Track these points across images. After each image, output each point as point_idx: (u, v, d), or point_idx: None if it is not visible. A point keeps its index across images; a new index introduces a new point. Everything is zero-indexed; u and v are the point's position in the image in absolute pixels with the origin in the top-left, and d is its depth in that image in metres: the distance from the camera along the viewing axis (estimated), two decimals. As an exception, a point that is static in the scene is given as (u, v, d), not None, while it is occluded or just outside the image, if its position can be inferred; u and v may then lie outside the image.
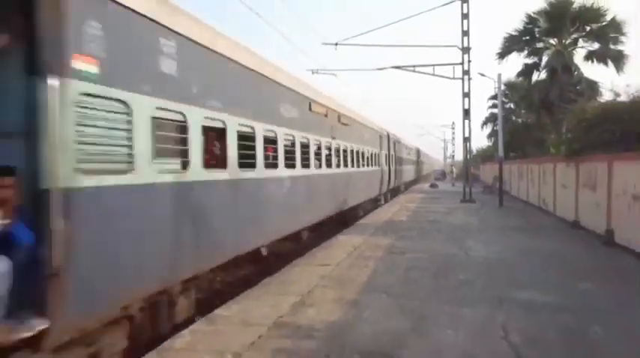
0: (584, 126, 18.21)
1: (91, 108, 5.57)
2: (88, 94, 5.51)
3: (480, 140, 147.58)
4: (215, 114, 8.44)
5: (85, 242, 5.37)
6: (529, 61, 30.87)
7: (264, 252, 11.32)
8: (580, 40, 28.95)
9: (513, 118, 45.40)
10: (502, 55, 30.72)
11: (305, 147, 13.74)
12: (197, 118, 7.84)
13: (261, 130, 10.44)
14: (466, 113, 30.15)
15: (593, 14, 27.58)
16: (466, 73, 29.63)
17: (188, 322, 7.85)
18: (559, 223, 19.80)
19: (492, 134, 50.92)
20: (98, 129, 5.72)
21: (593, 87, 27.73)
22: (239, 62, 9.59)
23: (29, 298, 5.00)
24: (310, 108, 14.57)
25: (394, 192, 37.03)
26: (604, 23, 27.51)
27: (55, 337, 5.14)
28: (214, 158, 8.90)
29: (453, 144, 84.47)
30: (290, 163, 12.48)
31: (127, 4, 6.18)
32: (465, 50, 29.33)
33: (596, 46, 28.30)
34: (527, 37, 30.06)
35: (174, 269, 7.30)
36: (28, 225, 5.06)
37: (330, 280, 10.29)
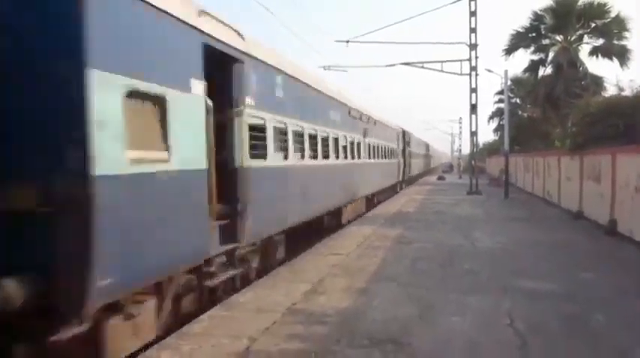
0: (589, 120, 18.41)
1: (251, 126, 9.29)
2: (252, 116, 9.28)
3: (487, 134, 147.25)
4: (298, 122, 12.13)
5: (255, 197, 9.17)
6: (535, 57, 31.03)
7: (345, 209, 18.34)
8: (585, 36, 29.10)
9: (519, 113, 45.37)
10: (509, 51, 30.82)
11: (347, 143, 17.89)
12: (291, 126, 11.61)
13: (322, 132, 14.43)
14: (473, 108, 30.40)
15: (597, 11, 27.75)
16: (473, 69, 29.93)
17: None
18: (563, 214, 20.00)
19: (498, 128, 50.82)
20: (253, 136, 9.35)
21: (597, 82, 27.97)
22: (309, 85, 13.54)
23: None
24: (349, 114, 18.69)
25: (408, 181, 40.96)
26: (608, 20, 27.69)
27: (248, 240, 9.23)
28: (300, 151, 12.52)
29: (460, 138, 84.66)
30: (339, 155, 16.74)
31: (270, 63, 10.37)
32: (473, 47, 29.56)
33: (600, 41, 28.47)
34: (534, 34, 30.17)
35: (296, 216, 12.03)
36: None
37: (340, 269, 10.57)
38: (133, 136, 5.72)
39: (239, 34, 9.03)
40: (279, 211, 10.88)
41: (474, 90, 30.12)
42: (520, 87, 41.88)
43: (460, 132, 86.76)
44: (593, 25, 28.38)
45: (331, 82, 17.03)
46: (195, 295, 7.99)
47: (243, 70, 8.97)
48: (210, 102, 7.67)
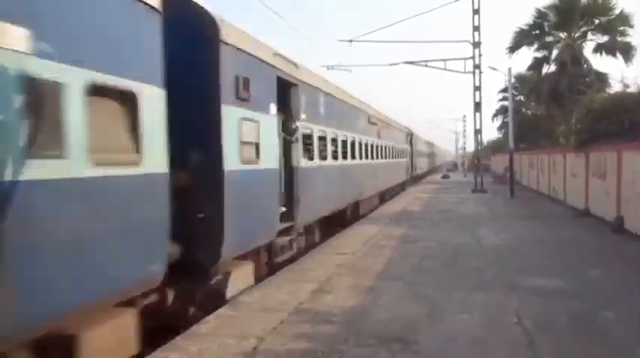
0: (593, 116, 18.39)
1: (304, 135, 12.01)
2: (304, 127, 12.03)
3: (491, 132, 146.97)
4: (333, 130, 14.93)
5: (305, 191, 11.81)
6: (539, 54, 30.88)
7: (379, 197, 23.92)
8: (589, 33, 28.97)
9: (523, 110, 45.33)
10: (512, 49, 30.73)
11: (367, 145, 20.67)
12: (329, 134, 14.44)
13: (350, 138, 17.24)
14: (477, 106, 30.39)
15: (601, 7, 27.63)
16: (477, 67, 29.91)
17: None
18: (569, 211, 19.97)
19: (503, 126, 50.79)
20: (305, 143, 12.15)
21: (602, 78, 27.88)
22: (340, 99, 16.27)
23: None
24: (369, 120, 21.53)
25: (415, 179, 43.82)
26: (612, 16, 27.55)
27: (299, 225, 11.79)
28: (336, 154, 15.28)
29: (464, 136, 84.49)
30: (362, 156, 19.58)
31: (314, 85, 13.12)
32: (476, 45, 29.57)
33: (604, 38, 28.30)
34: (537, 31, 30.03)
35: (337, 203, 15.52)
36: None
37: (346, 268, 10.58)
38: (243, 146, 8.51)
39: (295, 64, 11.59)
40: (322, 200, 13.62)
41: (477, 88, 30.12)
42: (524, 84, 41.78)
43: (464, 130, 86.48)
44: (596, 21, 28.27)
45: (351, 91, 19.02)
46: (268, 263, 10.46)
47: (298, 92, 11.60)
48: (280, 120, 10.53)
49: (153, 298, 6.88)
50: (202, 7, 7.82)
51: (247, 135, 8.69)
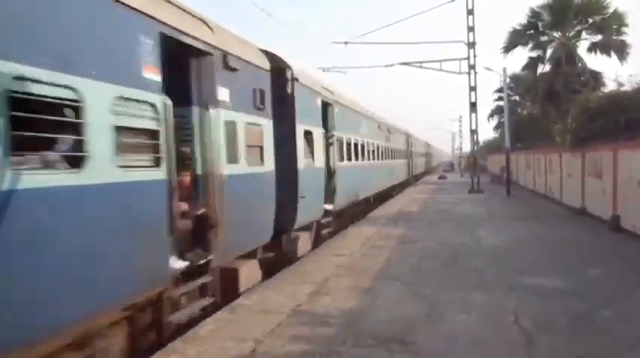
0: (588, 115, 18.41)
1: (330, 141, 15.16)
2: (337, 137, 15.58)
3: (487, 132, 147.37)
4: (354, 137, 18.35)
5: (341, 183, 15.40)
6: (534, 54, 30.97)
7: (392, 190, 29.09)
8: (583, 32, 29.00)
9: (519, 110, 45.50)
10: (507, 49, 30.76)
11: (378, 148, 24.33)
12: (352, 141, 17.94)
13: (365, 142, 20.47)
14: (473, 106, 30.43)
15: (595, 6, 27.70)
16: (472, 67, 29.89)
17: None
18: (566, 210, 20.01)
19: (499, 126, 51.00)
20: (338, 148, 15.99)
21: (597, 77, 27.91)
22: (359, 112, 20.15)
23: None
24: (379, 127, 25.21)
25: (414, 178, 46.99)
26: (606, 15, 27.60)
27: (337, 206, 15.40)
28: (357, 155, 18.74)
29: (461, 137, 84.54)
30: (374, 157, 23.15)
31: (343, 103, 16.82)
32: (471, 45, 29.56)
33: (599, 37, 28.33)
34: (532, 31, 30.08)
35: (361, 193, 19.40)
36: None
37: (345, 269, 10.58)
38: (306, 152, 12.31)
39: (331, 91, 15.31)
40: (350, 192, 17.14)
41: (473, 88, 30.14)
42: (519, 84, 41.92)
43: (460, 131, 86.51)
44: (590, 20, 28.30)
45: (365, 101, 22.76)
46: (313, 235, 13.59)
47: (334, 110, 15.37)
48: (324, 132, 14.15)
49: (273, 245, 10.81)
50: (285, 61, 11.33)
51: (308, 143, 12.54)
